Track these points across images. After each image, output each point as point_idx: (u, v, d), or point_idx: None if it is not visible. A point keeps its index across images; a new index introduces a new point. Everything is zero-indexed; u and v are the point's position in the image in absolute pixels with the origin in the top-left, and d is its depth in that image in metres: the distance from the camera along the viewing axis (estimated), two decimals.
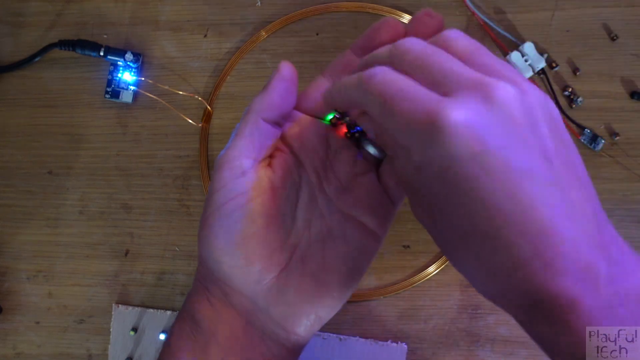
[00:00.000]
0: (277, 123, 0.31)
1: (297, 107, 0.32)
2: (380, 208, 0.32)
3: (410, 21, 0.30)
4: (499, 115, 0.22)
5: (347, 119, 0.32)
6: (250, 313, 0.30)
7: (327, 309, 0.31)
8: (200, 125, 0.44)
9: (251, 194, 0.30)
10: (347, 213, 0.32)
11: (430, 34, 0.28)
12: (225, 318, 0.30)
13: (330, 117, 0.32)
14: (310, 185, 0.32)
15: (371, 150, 0.32)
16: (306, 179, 0.32)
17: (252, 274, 0.30)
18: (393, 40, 0.29)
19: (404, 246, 0.43)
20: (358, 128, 0.32)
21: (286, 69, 0.30)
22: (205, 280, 0.31)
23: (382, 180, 0.32)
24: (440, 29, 0.29)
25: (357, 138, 0.32)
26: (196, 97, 0.44)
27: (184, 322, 0.31)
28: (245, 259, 0.30)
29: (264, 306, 0.30)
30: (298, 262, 0.31)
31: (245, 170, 0.30)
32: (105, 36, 0.45)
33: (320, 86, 0.32)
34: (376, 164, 0.33)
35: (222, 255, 0.30)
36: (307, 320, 0.31)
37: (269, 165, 0.31)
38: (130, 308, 0.43)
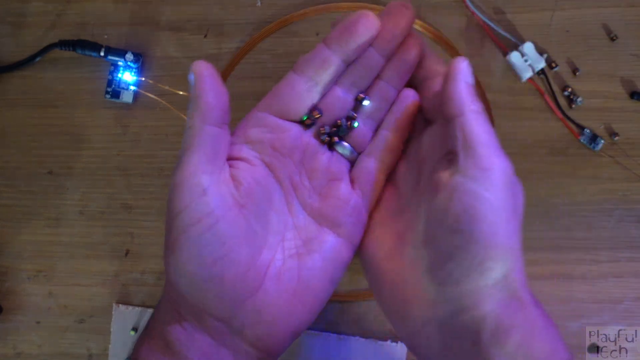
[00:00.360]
0: (222, 123, 0.29)
1: (269, 109, 0.31)
2: (354, 215, 0.31)
3: (384, 12, 0.30)
4: None
5: (320, 119, 0.31)
6: (224, 335, 0.29)
7: (302, 324, 0.30)
8: None
9: (217, 214, 0.28)
10: (321, 223, 0.31)
11: (403, 24, 0.29)
12: (198, 341, 0.29)
13: (305, 118, 0.31)
14: (283, 196, 0.31)
15: (342, 150, 0.32)
16: (278, 190, 0.31)
17: (226, 297, 0.29)
18: (370, 34, 0.29)
19: None
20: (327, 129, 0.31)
21: (202, 66, 0.28)
22: (176, 304, 0.30)
23: (356, 185, 0.32)
24: (412, 19, 0.30)
25: (330, 142, 0.32)
26: None
27: (154, 342, 0.30)
28: (218, 283, 0.28)
29: (239, 328, 0.29)
30: (273, 280, 0.30)
31: (206, 188, 0.28)
32: (105, 36, 0.45)
33: (293, 84, 0.30)
34: (349, 169, 0.32)
35: (194, 280, 0.28)
36: (283, 337, 0.30)
37: (232, 178, 0.29)
38: (130, 308, 0.43)
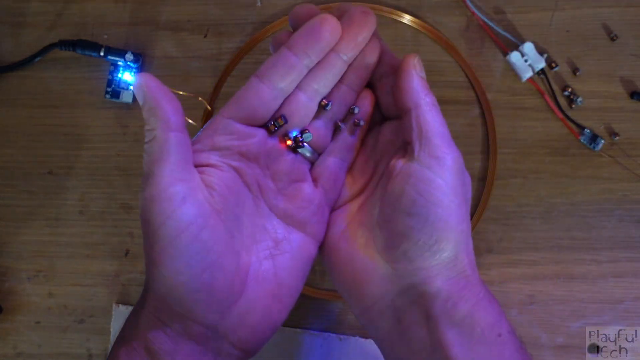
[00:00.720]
0: (183, 128, 0.29)
1: (234, 116, 0.30)
2: (319, 213, 0.33)
3: (346, 18, 0.30)
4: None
5: (285, 124, 0.31)
6: (209, 340, 0.30)
7: (280, 321, 0.32)
8: (200, 125, 0.44)
9: (200, 222, 0.28)
10: (289, 223, 0.32)
11: (366, 31, 0.30)
12: (184, 349, 0.29)
13: (270, 124, 0.31)
14: (252, 199, 0.31)
15: (304, 152, 0.32)
16: (247, 194, 0.31)
17: (214, 304, 0.29)
18: (334, 38, 0.30)
19: None
20: (296, 132, 0.32)
21: (148, 77, 0.28)
22: (160, 313, 0.29)
23: (318, 184, 0.33)
24: (374, 25, 0.30)
25: (293, 146, 0.32)
26: (196, 97, 0.44)
27: (135, 352, 0.29)
28: (207, 291, 0.28)
29: (224, 332, 0.30)
30: (254, 283, 0.30)
31: (184, 197, 0.28)
32: (105, 36, 0.45)
33: (259, 91, 0.30)
34: (310, 168, 0.33)
35: (184, 291, 0.28)
36: (263, 336, 0.31)
37: (204, 184, 0.29)
38: (130, 308, 0.43)
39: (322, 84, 0.31)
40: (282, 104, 0.31)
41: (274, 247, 0.32)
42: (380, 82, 0.33)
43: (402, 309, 0.30)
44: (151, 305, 0.30)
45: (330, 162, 0.33)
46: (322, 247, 0.33)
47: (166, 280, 0.28)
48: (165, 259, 0.28)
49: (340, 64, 0.31)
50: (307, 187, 0.32)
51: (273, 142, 0.32)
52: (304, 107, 0.31)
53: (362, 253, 0.31)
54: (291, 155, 0.32)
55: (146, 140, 0.28)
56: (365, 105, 0.33)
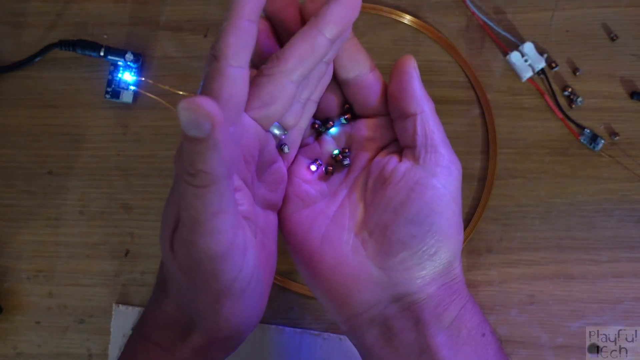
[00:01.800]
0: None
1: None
2: (284, 190, 0.32)
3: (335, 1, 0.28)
4: None
5: None
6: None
7: None
8: None
9: (259, 263, 0.27)
10: (265, 207, 0.31)
11: (356, 12, 0.28)
12: None
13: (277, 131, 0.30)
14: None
15: (275, 130, 0.30)
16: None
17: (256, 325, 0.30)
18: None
19: None
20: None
21: (216, 109, 0.23)
22: (212, 351, 0.29)
23: (284, 158, 0.32)
24: (360, 5, 0.28)
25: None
26: None
27: None
28: (261, 315, 0.30)
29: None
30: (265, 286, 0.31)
31: (245, 245, 0.26)
32: (105, 36, 0.45)
33: (235, 77, 0.29)
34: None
35: (248, 327, 0.29)
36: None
37: (243, 217, 0.27)
38: (130, 308, 0.43)
39: (308, 69, 0.28)
40: (268, 90, 0.28)
41: (263, 235, 0.30)
42: (356, 80, 0.31)
43: (393, 316, 0.29)
44: (198, 344, 0.28)
45: (294, 133, 0.32)
46: (299, 253, 0.32)
47: (234, 326, 0.28)
48: (237, 310, 0.27)
49: (327, 47, 0.28)
50: (279, 167, 0.31)
51: (264, 133, 0.29)
52: (290, 95, 0.29)
53: (350, 259, 0.30)
54: (273, 141, 0.31)
55: (198, 183, 0.23)
56: (329, 76, 0.31)
